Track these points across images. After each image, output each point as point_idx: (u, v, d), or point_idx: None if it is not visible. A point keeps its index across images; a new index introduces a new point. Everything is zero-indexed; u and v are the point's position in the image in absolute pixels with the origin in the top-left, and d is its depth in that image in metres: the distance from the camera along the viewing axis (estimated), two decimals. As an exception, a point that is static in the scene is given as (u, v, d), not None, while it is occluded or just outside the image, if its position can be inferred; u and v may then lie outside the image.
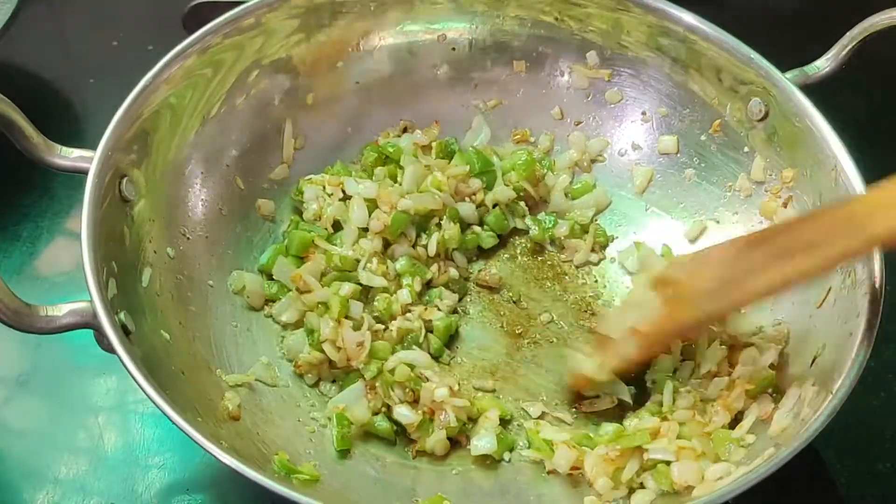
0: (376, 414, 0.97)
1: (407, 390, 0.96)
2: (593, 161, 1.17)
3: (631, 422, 0.96)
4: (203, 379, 0.94)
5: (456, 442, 0.97)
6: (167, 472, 0.99)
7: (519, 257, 1.13)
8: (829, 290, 0.94)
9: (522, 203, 1.13)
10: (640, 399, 1.00)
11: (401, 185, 1.08)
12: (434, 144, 1.14)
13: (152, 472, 0.99)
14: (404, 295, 1.03)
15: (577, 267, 1.11)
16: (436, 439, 0.95)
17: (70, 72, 1.37)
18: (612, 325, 0.99)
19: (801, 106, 1.00)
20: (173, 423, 0.79)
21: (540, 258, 1.13)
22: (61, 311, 0.85)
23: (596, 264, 1.12)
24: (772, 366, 0.95)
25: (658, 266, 1.05)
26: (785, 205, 1.04)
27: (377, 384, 0.97)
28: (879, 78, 1.35)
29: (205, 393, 0.93)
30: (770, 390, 0.94)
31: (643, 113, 1.15)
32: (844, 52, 1.04)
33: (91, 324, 0.84)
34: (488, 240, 1.11)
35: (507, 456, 0.96)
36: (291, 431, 0.96)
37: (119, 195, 0.95)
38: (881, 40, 1.02)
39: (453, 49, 1.17)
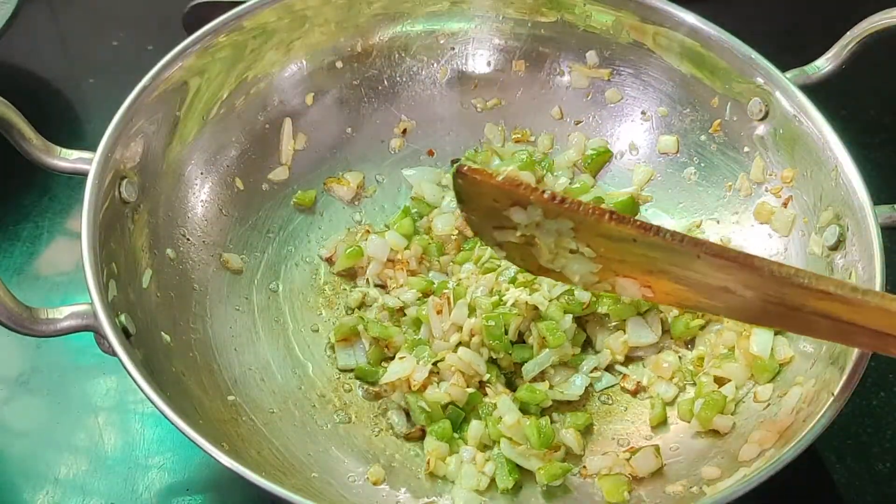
0: None
1: None
2: (593, 161, 1.17)
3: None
4: (204, 380, 0.94)
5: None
6: (167, 472, 0.99)
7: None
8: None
9: None
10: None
11: None
12: None
13: (152, 472, 0.99)
14: None
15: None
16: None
17: (70, 72, 1.38)
18: None
19: (801, 106, 1.00)
20: (174, 425, 0.79)
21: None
22: (62, 314, 0.84)
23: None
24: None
25: None
26: (785, 204, 1.03)
27: None
28: (879, 78, 1.35)
29: (206, 394, 0.93)
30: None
31: (643, 112, 1.15)
32: (844, 52, 1.04)
33: (92, 326, 0.84)
34: None
35: None
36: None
37: (119, 197, 0.95)
38: (881, 40, 1.02)
39: (453, 49, 1.17)
